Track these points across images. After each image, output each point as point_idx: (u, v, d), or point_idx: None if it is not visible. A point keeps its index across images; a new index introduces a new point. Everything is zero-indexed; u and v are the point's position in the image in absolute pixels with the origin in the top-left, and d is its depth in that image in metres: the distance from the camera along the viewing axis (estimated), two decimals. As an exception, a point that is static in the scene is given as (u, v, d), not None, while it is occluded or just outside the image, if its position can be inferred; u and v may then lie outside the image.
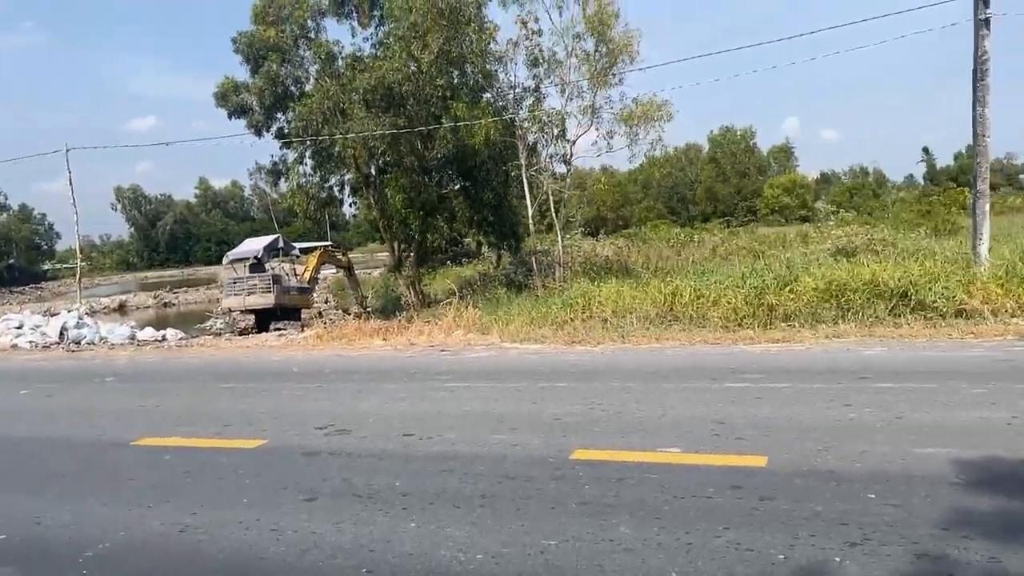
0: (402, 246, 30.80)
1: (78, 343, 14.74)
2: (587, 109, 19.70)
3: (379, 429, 5.46)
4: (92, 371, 9.57)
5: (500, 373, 7.73)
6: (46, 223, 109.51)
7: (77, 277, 17.60)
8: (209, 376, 8.67)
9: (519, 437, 4.95)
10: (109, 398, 7.59)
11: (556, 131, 21.76)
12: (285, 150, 26.60)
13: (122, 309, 48.93)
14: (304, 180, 26.83)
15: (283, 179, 27.39)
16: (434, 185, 28.70)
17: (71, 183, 17.12)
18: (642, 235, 35.91)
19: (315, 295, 28.54)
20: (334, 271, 34.83)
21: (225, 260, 23.54)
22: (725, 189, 78.05)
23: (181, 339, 16.85)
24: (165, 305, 48.52)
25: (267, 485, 4.36)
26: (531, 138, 22.81)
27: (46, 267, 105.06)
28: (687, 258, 22.95)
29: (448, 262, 36.85)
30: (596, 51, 19.05)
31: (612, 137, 20.30)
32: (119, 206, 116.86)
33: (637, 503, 3.64)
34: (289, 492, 4.18)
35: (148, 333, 16.08)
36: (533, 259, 23.84)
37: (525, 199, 23.61)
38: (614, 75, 19.04)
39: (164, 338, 16.19)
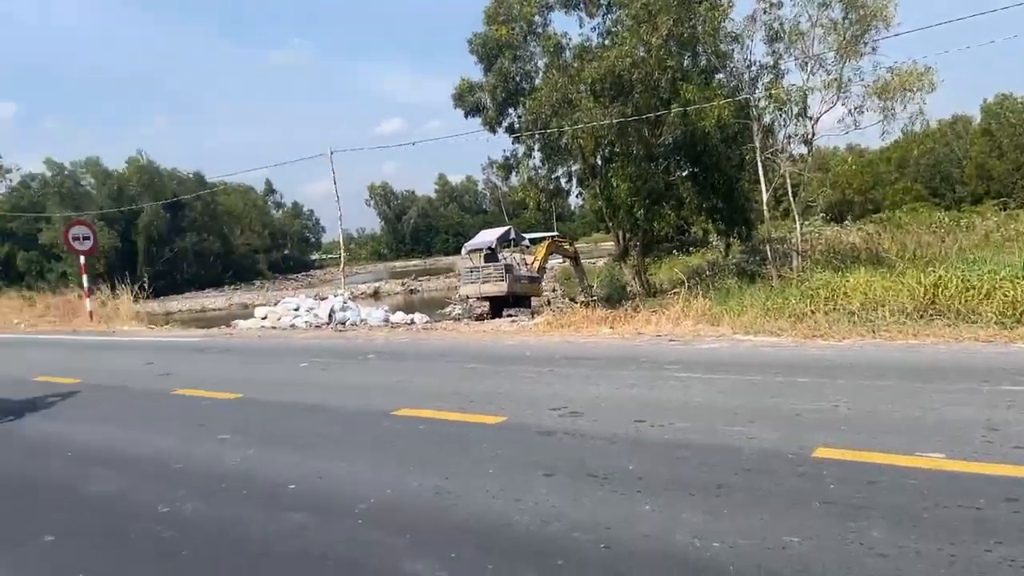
0: (627, 235, 30.80)
1: (343, 324, 16.67)
2: (832, 83, 18.27)
3: (610, 414, 5.58)
4: (356, 349, 10.77)
5: (733, 365, 7.50)
6: (313, 218, 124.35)
7: (341, 267, 19.80)
8: (453, 357, 9.37)
9: (755, 430, 4.80)
10: (372, 373, 8.51)
11: (796, 109, 20.42)
12: (516, 144, 27.83)
13: (376, 295, 54.33)
14: (533, 173, 27.88)
15: (514, 173, 28.69)
16: (661, 172, 28.31)
17: (335, 182, 19.41)
18: (896, 220, 32.62)
19: (543, 284, 29.53)
20: (560, 261, 35.73)
21: (463, 250, 25.20)
22: (1001, 166, 67.62)
23: (426, 323, 18.36)
24: (411, 292, 52.98)
25: (508, 459, 4.66)
26: (767, 119, 21.62)
27: (314, 257, 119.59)
28: (952, 245, 20.43)
29: (674, 251, 36.22)
30: (845, 19, 17.58)
31: (861, 112, 18.62)
32: (371, 202, 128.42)
33: (891, 508, 3.38)
34: (528, 467, 4.44)
35: (399, 317, 17.77)
36: (767, 247, 22.63)
37: (759, 184, 22.53)
38: (865, 43, 17.45)
39: (412, 321, 17.76)
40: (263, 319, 17.10)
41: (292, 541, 3.65)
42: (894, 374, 6.26)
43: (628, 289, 30.11)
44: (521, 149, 28.28)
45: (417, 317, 18.36)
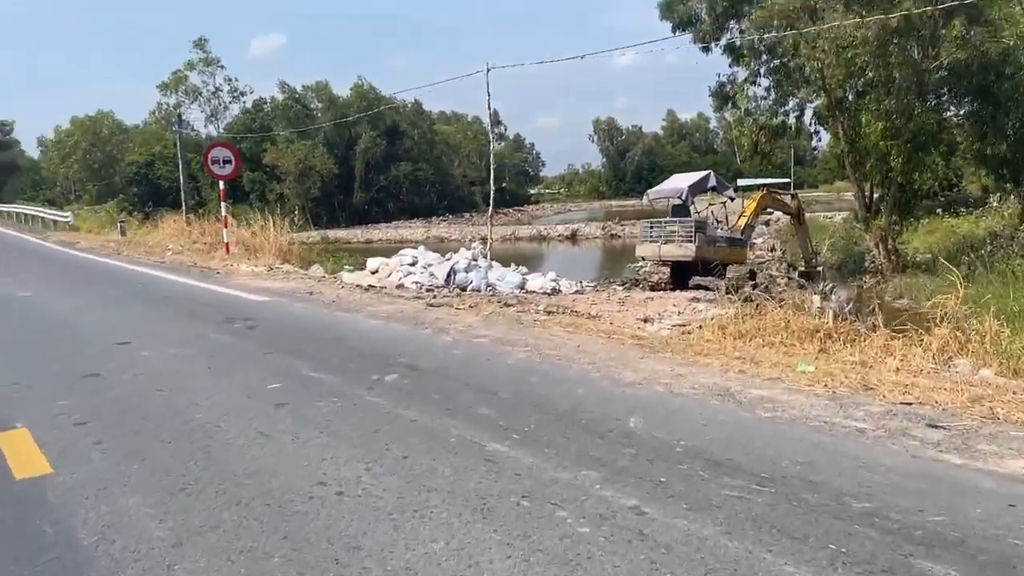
0: (875, 188, 24.26)
1: (463, 288, 13.14)
2: None
3: None
4: (392, 355, 7.04)
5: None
6: (534, 152, 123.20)
7: (489, 213, 16.21)
8: (508, 414, 5.28)
9: None
10: (324, 451, 4.67)
11: None
12: (734, 67, 22.16)
13: (573, 238, 50.76)
14: (754, 105, 22.13)
15: (730, 104, 23.09)
16: (930, 109, 21.55)
17: (488, 104, 15.93)
18: None
19: (752, 246, 23.89)
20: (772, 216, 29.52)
21: (645, 199, 20.40)
22: None
23: (575, 292, 14.32)
24: (611, 237, 48.71)
25: None
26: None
27: (532, 192, 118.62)
28: None
29: (937, 211, 28.62)
30: None
31: None
32: (595, 138, 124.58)
33: None
34: None
35: (538, 283, 13.87)
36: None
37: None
38: None
39: (555, 291, 13.79)
40: (373, 272, 14.09)
41: None
42: None
43: (867, 259, 23.62)
44: (742, 73, 22.59)
45: (564, 284, 14.36)
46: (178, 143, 30.67)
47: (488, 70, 16.70)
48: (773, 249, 30.48)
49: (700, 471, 4.07)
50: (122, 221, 27.70)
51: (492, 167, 17.43)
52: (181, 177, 30.00)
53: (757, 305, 9.65)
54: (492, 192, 16.69)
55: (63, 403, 5.39)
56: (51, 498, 3.74)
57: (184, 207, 29.34)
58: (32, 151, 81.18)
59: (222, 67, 62.65)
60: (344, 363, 6.72)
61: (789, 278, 20.08)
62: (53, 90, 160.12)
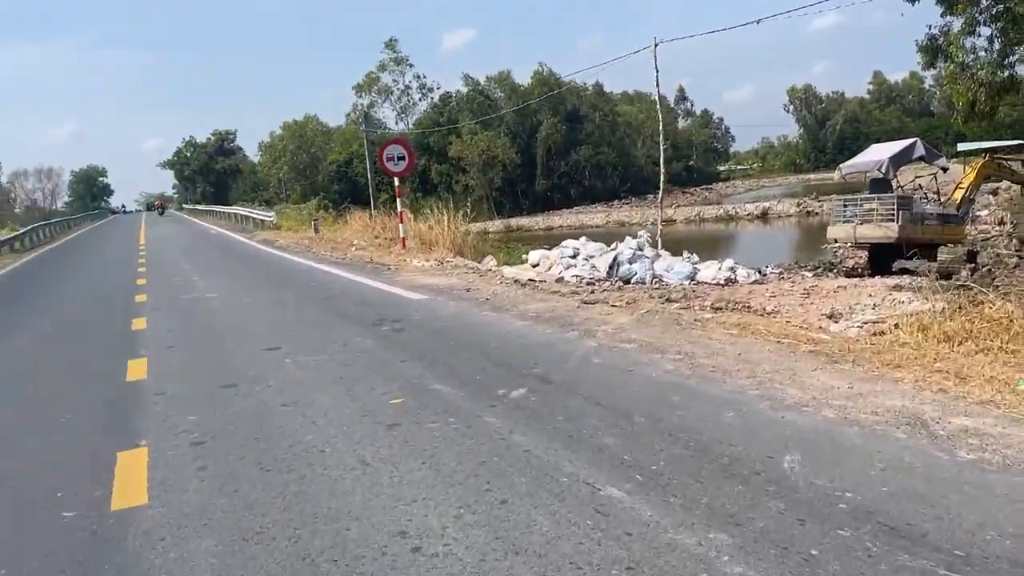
0: None
1: (627, 281, 12.36)
2: None
3: None
4: (528, 363, 6.56)
5: None
6: (723, 127, 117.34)
7: (660, 196, 15.21)
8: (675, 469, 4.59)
9: None
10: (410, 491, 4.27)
11: None
12: (947, 17, 19.05)
13: (764, 217, 47.63)
14: (971, 58, 18.92)
15: (941, 58, 19.94)
16: None
17: (656, 81, 14.93)
18: None
19: (975, 220, 20.60)
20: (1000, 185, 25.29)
21: (837, 174, 18.14)
22: None
23: (754, 281, 13.02)
24: (807, 214, 45.07)
25: None
26: None
27: (721, 169, 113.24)
28: None
29: None
30: None
31: None
32: (791, 108, 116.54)
33: None
34: None
35: (711, 273, 12.67)
36: None
37: None
38: None
39: (730, 281, 12.56)
40: (534, 266, 13.67)
41: None
42: None
43: None
44: (957, 23, 19.38)
45: (741, 273, 13.03)
46: (365, 141, 32.36)
47: (656, 44, 15.68)
48: (1002, 223, 26.28)
49: (868, 541, 3.13)
50: (315, 219, 29.73)
51: (663, 146, 16.36)
52: (368, 174, 31.67)
53: (975, 296, 7.96)
54: (663, 174, 15.71)
55: (192, 418, 5.45)
56: (131, 536, 3.61)
57: (372, 203, 30.89)
58: (253, 156, 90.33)
59: (411, 65, 65.78)
60: (474, 373, 6.30)
61: (1021, 258, 17.00)
62: (271, 99, 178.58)
